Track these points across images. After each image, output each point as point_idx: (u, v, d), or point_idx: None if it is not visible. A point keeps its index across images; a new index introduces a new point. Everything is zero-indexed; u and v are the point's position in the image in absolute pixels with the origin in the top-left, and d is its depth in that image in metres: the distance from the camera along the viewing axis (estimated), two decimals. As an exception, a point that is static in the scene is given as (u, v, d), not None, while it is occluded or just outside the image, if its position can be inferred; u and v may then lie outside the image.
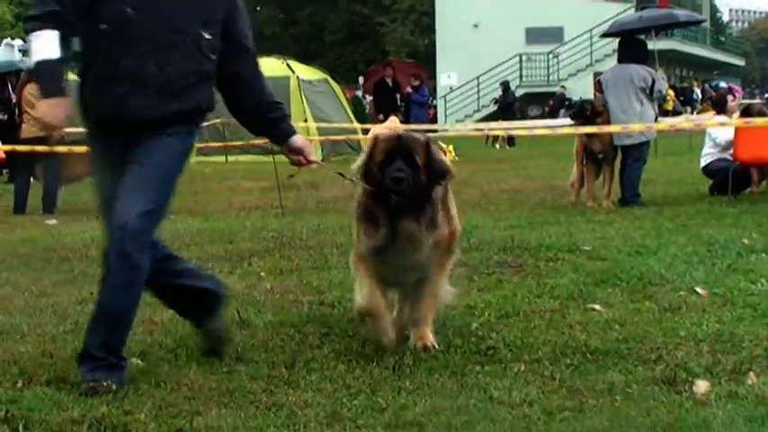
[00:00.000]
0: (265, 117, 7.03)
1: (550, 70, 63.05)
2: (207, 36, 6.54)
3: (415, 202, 6.99)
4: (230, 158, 29.12)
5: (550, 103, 58.30)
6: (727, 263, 10.23)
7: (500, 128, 35.55)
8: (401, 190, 6.84)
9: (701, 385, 6.10)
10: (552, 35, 62.64)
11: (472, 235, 12.42)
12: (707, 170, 18.19)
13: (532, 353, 7.01)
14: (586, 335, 7.46)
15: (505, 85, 48.76)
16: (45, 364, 6.82)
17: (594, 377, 6.38)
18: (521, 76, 61.80)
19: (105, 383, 6.08)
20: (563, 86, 59.57)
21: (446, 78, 62.89)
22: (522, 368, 6.63)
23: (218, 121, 28.93)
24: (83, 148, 17.02)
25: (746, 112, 18.54)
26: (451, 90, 61.85)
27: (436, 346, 7.12)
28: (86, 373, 6.20)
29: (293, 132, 7.16)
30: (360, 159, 7.32)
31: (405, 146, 7.02)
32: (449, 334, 7.57)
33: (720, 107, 19.71)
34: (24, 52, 27.07)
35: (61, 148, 17.32)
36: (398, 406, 5.85)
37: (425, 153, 7.04)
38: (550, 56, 62.87)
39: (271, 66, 34.10)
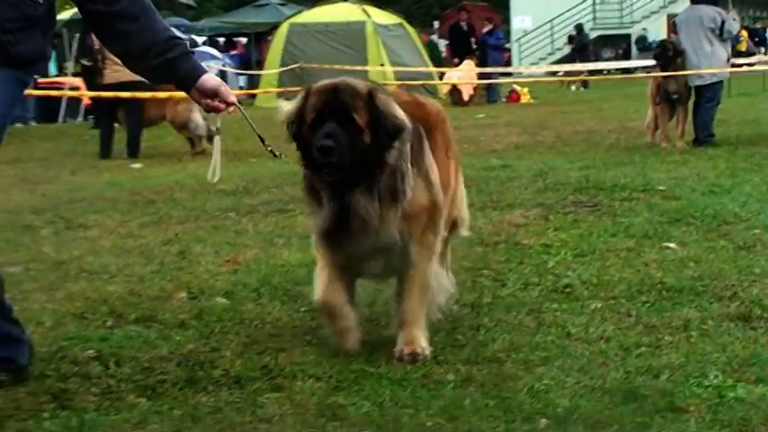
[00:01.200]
0: (161, 58, 5.40)
1: (623, 12, 62.23)
2: None
3: (362, 172, 5.47)
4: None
5: (623, 46, 57.74)
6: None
7: (574, 71, 35.25)
8: (331, 161, 5.37)
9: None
10: (626, -23, 61.82)
11: (548, 176, 12.40)
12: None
13: (608, 290, 7.00)
14: (662, 273, 7.41)
15: (579, 28, 48.33)
16: (133, 303, 6.94)
17: (670, 314, 6.35)
18: (594, 19, 61.04)
19: None
20: (644, 29, 58.82)
21: (520, 22, 62.27)
22: (599, 305, 6.62)
23: (296, 66, 29.11)
24: (164, 93, 17.23)
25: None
26: (525, 33, 61.30)
27: (427, 355, 5.63)
28: None
29: (201, 72, 5.55)
30: (287, 114, 5.67)
31: (338, 102, 5.46)
32: (525, 272, 7.56)
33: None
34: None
35: (143, 94, 17.41)
36: (477, 343, 5.87)
37: (368, 108, 5.47)
38: (624, -2, 62.11)
39: (347, 10, 34.25)
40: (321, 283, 5.83)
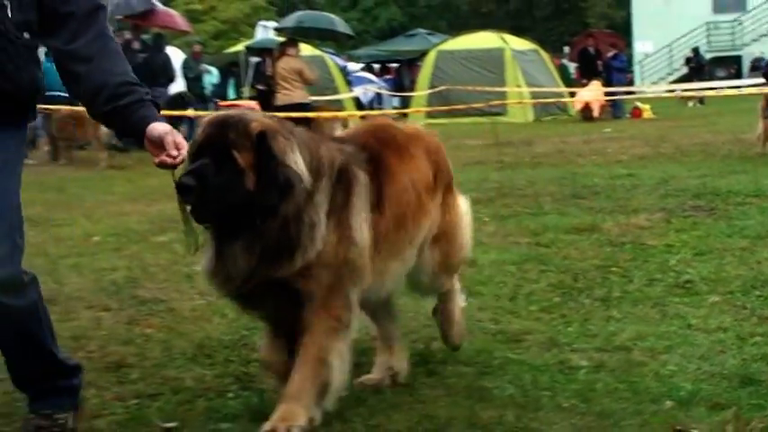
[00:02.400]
0: (110, 105, 4.24)
1: (735, 36, 60.87)
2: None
3: (241, 219, 4.16)
4: (454, 120, 29.08)
5: (735, 66, 56.55)
6: None
7: (691, 89, 34.59)
8: (190, 202, 4.16)
9: None
10: (737, 4, 60.43)
11: (669, 183, 12.23)
12: None
13: (725, 285, 6.87)
14: (774, 269, 7.26)
15: (695, 51, 47.80)
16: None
17: (784, 307, 6.21)
18: (708, 42, 59.83)
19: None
20: (762, 52, 57.52)
21: (641, 46, 61.32)
22: (717, 299, 6.51)
23: (442, 88, 29.14)
24: (328, 113, 17.44)
25: None
26: (647, 56, 60.35)
27: None
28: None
29: (151, 120, 4.24)
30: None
31: (221, 136, 4.13)
32: (650, 269, 7.46)
33: None
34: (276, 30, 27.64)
35: (311, 114, 17.61)
36: (608, 333, 5.81)
37: (257, 148, 4.13)
38: (735, 23, 60.70)
39: (487, 38, 34.25)
40: (263, 334, 4.79)
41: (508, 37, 34.94)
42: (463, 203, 5.55)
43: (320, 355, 4.34)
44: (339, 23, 29.97)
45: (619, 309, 6.39)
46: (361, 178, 4.54)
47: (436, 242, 5.21)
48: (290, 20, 29.75)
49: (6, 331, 4.29)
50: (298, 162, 4.19)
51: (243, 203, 4.11)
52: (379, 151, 4.79)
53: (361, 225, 4.49)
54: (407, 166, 4.90)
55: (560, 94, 32.16)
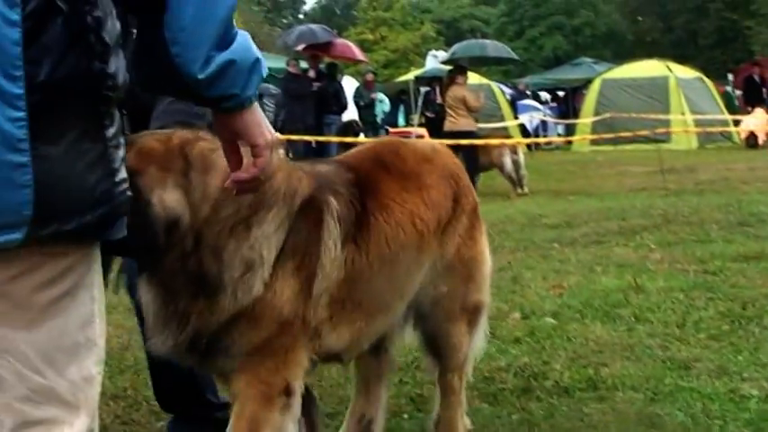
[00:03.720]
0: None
1: None
2: None
3: (147, 255, 3.23)
4: (618, 147, 28.67)
5: None
6: None
7: None
8: None
9: None
10: None
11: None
12: None
13: None
14: None
15: None
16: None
17: None
18: None
19: None
20: None
21: (808, 73, 59.62)
22: None
23: (607, 116, 28.80)
24: (495, 141, 17.45)
25: None
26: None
27: None
28: None
29: None
30: None
31: (131, 161, 2.76)
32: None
33: None
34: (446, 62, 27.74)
35: (477, 141, 17.63)
36: (778, 363, 5.64)
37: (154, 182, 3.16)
38: None
39: (652, 67, 33.79)
40: None
41: (673, 65, 34.36)
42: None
43: (244, 427, 3.43)
44: (492, 48, 29.83)
45: (788, 340, 6.18)
46: (334, 207, 3.60)
47: (444, 277, 4.14)
48: (448, 54, 29.92)
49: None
50: (165, 199, 3.16)
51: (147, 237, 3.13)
52: (375, 175, 3.89)
53: (325, 267, 3.54)
54: (410, 195, 3.92)
55: (725, 122, 31.42)
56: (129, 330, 7.06)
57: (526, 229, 12.11)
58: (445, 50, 39.28)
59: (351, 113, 25.94)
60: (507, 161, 18.31)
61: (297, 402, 3.50)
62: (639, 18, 75.36)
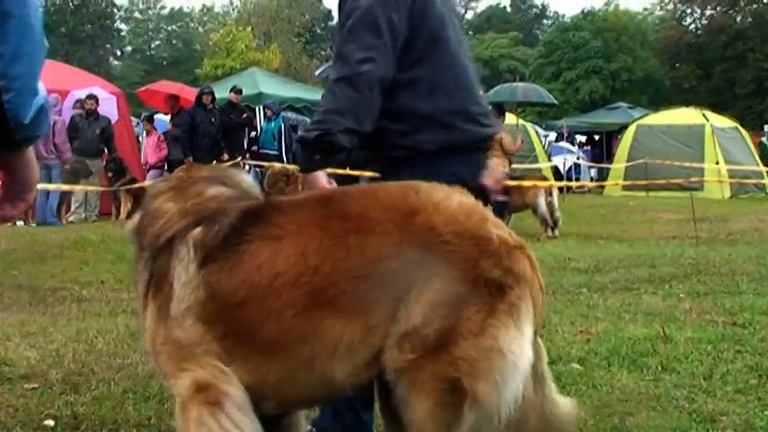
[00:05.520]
0: None
1: None
2: None
3: None
4: (651, 194, 28.59)
5: None
6: None
7: None
8: None
9: None
10: None
11: None
12: None
13: None
14: None
15: None
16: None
17: None
18: None
19: None
20: None
21: None
22: None
23: (641, 161, 28.75)
24: (528, 182, 17.41)
25: None
26: None
27: None
28: None
29: None
30: None
31: None
32: None
33: None
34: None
35: (511, 182, 17.61)
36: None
37: None
38: None
39: (688, 114, 33.80)
40: None
41: (709, 113, 34.34)
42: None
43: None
44: (522, 93, 29.89)
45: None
46: (191, 235, 3.61)
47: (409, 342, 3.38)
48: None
49: None
50: None
51: None
52: (293, 208, 3.67)
53: (178, 290, 3.54)
54: (324, 233, 3.49)
55: (759, 173, 31.30)
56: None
57: (555, 272, 12.06)
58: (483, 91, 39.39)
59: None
60: (542, 202, 18.23)
61: (222, 399, 3.42)
62: (677, 65, 75.26)
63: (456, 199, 3.51)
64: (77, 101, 22.36)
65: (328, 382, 3.46)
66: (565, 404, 3.75)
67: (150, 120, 25.53)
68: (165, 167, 23.54)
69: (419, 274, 3.34)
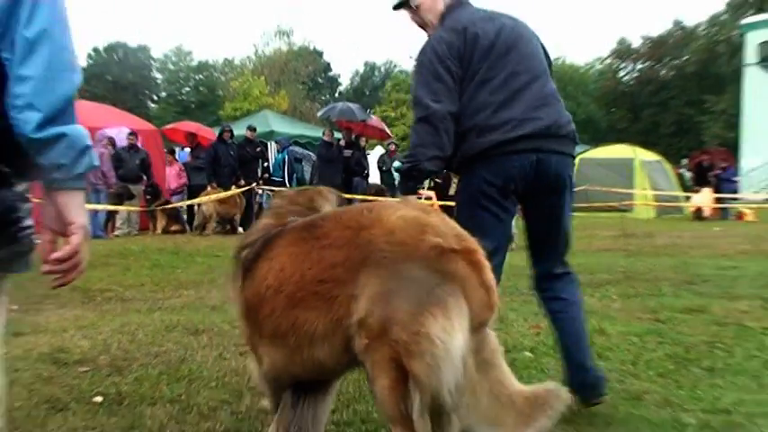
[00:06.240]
0: None
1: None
2: None
3: None
4: (590, 214, 28.64)
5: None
6: None
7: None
8: None
9: None
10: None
11: (767, 275, 11.75)
12: None
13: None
14: None
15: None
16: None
17: None
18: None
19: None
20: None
21: (748, 162, 59.43)
22: (806, 376, 6.21)
23: (582, 188, 28.83)
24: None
25: None
26: (753, 170, 58.42)
27: None
28: None
29: None
30: None
31: None
32: (749, 346, 7.17)
33: None
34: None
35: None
36: (712, 397, 5.63)
37: None
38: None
39: (620, 150, 34.05)
40: None
41: (638, 149, 34.48)
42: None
43: None
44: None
45: (722, 378, 6.17)
46: (242, 256, 4.11)
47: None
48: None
49: None
50: None
51: None
52: (289, 231, 3.91)
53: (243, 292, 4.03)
54: (295, 249, 3.74)
55: (678, 198, 31.48)
56: (185, 346, 7.12)
57: (512, 278, 12.06)
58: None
59: (376, 177, 26.21)
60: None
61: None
62: (613, 109, 75.68)
63: (400, 214, 3.52)
64: (108, 137, 22.40)
65: (318, 363, 3.64)
66: (528, 390, 3.69)
67: (172, 153, 25.56)
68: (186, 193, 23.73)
69: (362, 276, 3.42)
